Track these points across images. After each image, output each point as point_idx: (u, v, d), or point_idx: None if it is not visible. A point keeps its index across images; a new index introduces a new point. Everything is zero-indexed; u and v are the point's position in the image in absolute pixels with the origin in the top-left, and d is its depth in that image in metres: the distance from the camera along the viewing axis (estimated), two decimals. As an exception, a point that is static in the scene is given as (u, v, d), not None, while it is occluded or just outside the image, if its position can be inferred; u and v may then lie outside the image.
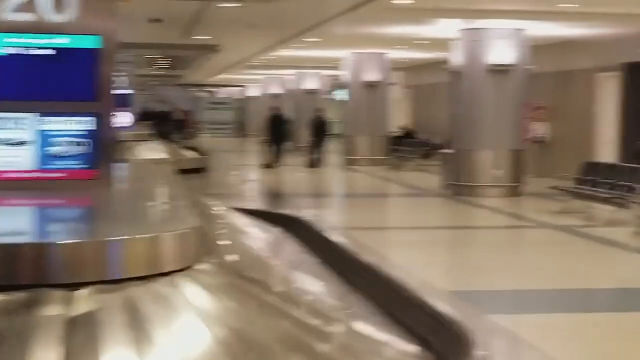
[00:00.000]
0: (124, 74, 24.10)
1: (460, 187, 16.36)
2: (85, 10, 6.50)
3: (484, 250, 10.37)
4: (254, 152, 28.56)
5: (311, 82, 34.12)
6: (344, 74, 25.41)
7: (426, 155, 25.99)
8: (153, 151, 22.45)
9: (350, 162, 24.75)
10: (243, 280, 4.42)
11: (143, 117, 48.64)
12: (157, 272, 2.98)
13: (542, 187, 17.36)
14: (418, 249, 10.38)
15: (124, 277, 2.86)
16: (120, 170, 8.57)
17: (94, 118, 6.49)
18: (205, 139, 47.45)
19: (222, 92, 59.36)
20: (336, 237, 7.81)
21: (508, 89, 16.22)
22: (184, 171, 20.21)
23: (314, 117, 25.38)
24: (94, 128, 6.50)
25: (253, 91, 49.91)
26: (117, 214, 4.89)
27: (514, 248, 10.72)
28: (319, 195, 17.80)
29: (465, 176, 16.36)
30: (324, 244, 7.97)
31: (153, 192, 6.54)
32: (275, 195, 17.62)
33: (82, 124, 6.46)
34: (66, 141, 6.53)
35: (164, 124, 42.44)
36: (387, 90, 25.40)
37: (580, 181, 13.75)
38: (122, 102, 24.73)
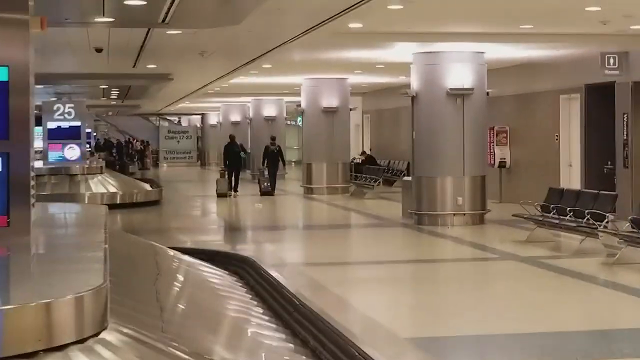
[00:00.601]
0: (71, 105, 23.36)
1: (422, 215, 15.77)
2: (-12, 39, 5.76)
3: (448, 287, 9.72)
4: (212, 181, 27.75)
5: (270, 109, 33.52)
6: (302, 100, 24.83)
7: (389, 182, 25.49)
8: (103, 185, 21.73)
9: (309, 191, 24.14)
10: (156, 352, 3.74)
11: (101, 147, 48.02)
12: (48, 347, 2.58)
13: (506, 213, 16.82)
14: (379, 286, 9.75)
15: (4, 355, 2.47)
16: (44, 215, 7.87)
17: (1, 158, 5.78)
18: (165, 168, 47.07)
19: (182, 121, 58.72)
20: (284, 281, 7.17)
21: (468, 113, 15.70)
22: (136, 204, 19.48)
23: (268, 145, 25.16)
24: (1, 169, 5.80)
25: (213, 119, 49.25)
26: (10, 274, 4.20)
27: (479, 284, 10.05)
28: (275, 227, 17.09)
29: (426, 204, 15.78)
30: (274, 290, 7.33)
31: (64, 244, 5.86)
32: (230, 228, 16.92)
33: (-12, 164, 5.75)
34: (-31, 185, 5.81)
35: (121, 154, 41.78)
36: (346, 115, 24.84)
37: (545, 208, 13.21)
38: (71, 135, 24.01)
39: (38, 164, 23.78)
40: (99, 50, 14.29)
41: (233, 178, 23.49)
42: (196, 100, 35.95)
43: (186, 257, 8.56)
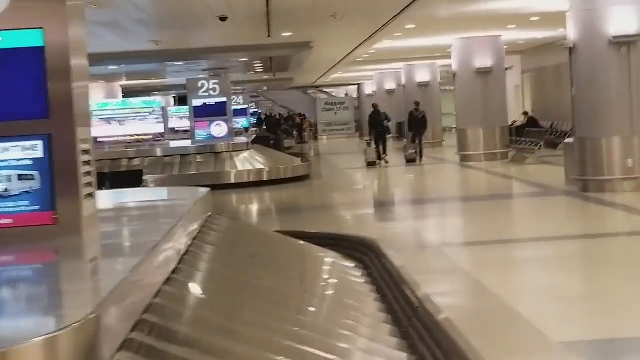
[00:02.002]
0: (215, 81, 22.77)
1: (587, 182, 14.13)
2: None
3: (623, 270, 8.13)
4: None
5: (423, 74, 32.11)
6: (453, 62, 23.37)
7: (553, 145, 23.69)
8: (249, 161, 21.05)
9: (465, 158, 22.70)
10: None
11: (261, 123, 47.88)
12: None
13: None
14: (543, 270, 8.37)
15: None
16: (122, 205, 6.96)
17: (42, 141, 4.85)
18: (325, 141, 46.37)
19: (340, 92, 58.00)
20: (406, 272, 5.96)
21: (636, 64, 13.88)
22: (285, 180, 18.66)
23: (412, 110, 24.80)
24: (43, 155, 4.87)
25: (369, 88, 48.19)
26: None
27: None
28: (422, 200, 15.80)
29: (591, 169, 14.11)
30: (395, 285, 6.14)
31: (107, 245, 4.87)
32: (375, 204, 15.77)
33: (28, 150, 4.84)
34: (6, 175, 4.92)
35: (278, 129, 41.36)
36: (502, 76, 23.19)
37: None
38: (217, 112, 23.44)
39: (186, 143, 23.45)
40: (223, 19, 13.42)
41: (381, 147, 23.32)
42: (349, 70, 34.98)
43: (304, 244, 7.51)
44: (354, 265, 7.31)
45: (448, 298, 7.08)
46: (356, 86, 51.68)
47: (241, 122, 41.33)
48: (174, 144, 23.42)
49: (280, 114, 52.70)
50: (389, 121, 24.70)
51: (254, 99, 59.97)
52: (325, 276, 6.51)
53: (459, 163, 22.60)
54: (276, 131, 39.86)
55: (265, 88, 47.39)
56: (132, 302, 3.35)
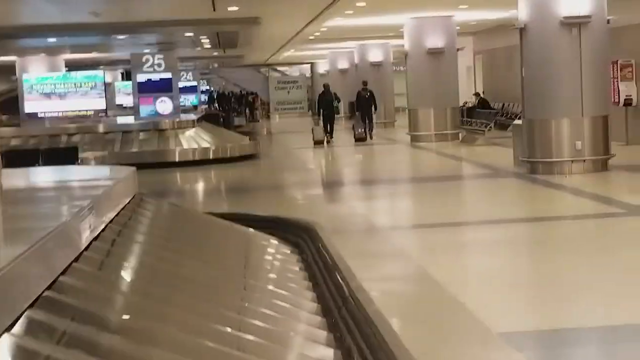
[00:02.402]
0: (160, 56, 22.20)
1: (535, 164, 13.91)
2: None
3: (569, 256, 7.79)
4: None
5: (376, 54, 31.74)
6: (405, 42, 23.03)
7: (503, 126, 23.51)
8: (195, 139, 20.55)
9: (415, 139, 22.42)
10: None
11: (213, 100, 47.23)
12: None
13: (634, 157, 14.83)
14: (490, 254, 8.08)
15: None
16: (32, 184, 6.48)
17: None
18: (277, 120, 45.87)
19: (293, 71, 57.44)
20: (340, 257, 5.60)
21: (586, 45, 13.64)
22: (232, 159, 18.17)
23: (359, 91, 24.90)
24: None
25: (322, 67, 47.70)
26: None
27: (606, 250, 8.10)
28: (369, 180, 15.49)
29: (540, 151, 13.89)
30: (328, 273, 5.78)
31: None
32: (320, 184, 15.42)
33: None
34: None
35: (227, 106, 40.81)
36: (454, 56, 22.90)
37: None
38: (162, 88, 22.83)
39: (129, 119, 22.86)
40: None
41: (328, 126, 23.73)
42: (302, 48, 34.45)
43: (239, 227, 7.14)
44: (289, 250, 6.95)
45: (387, 284, 6.74)
46: (309, 65, 51.17)
47: (191, 100, 40.74)
48: (116, 120, 22.83)
49: (232, 92, 52.09)
50: (338, 101, 25.24)
51: (205, 76, 59.22)
52: (257, 262, 6.14)
53: (409, 143, 22.32)
54: (227, 109, 39.33)
55: (215, 65, 46.65)
56: (11, 295, 2.95)
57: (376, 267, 7.23)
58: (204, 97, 52.12)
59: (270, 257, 6.30)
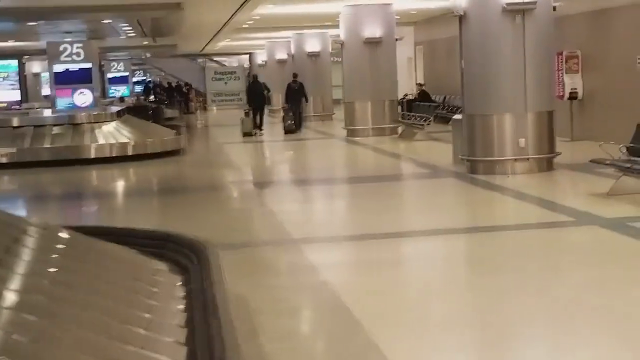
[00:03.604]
0: (79, 45, 20.72)
1: (475, 162, 12.82)
2: None
3: (508, 278, 6.61)
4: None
5: (313, 44, 30.52)
6: (341, 31, 21.85)
7: (445, 120, 22.51)
8: (113, 134, 19.11)
9: (352, 133, 21.27)
10: None
11: (149, 91, 45.56)
12: None
13: (578, 155, 13.83)
14: (415, 275, 6.95)
15: None
16: None
17: None
18: (214, 112, 44.35)
19: (232, 62, 55.94)
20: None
21: (530, 35, 12.56)
22: (154, 155, 16.77)
23: (290, 83, 24.60)
24: None
25: (261, 58, 46.34)
26: None
27: (551, 270, 6.90)
28: (297, 180, 14.26)
29: (481, 148, 12.79)
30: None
31: None
32: (243, 183, 14.13)
33: None
34: None
35: (158, 98, 39.25)
36: (392, 47, 21.76)
37: (634, 151, 10.17)
38: (81, 79, 21.33)
39: (44, 112, 21.33)
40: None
41: (258, 117, 23.47)
42: (239, 38, 33.11)
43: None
44: (178, 281, 5.67)
45: (281, 319, 5.58)
46: (247, 55, 49.81)
47: (122, 91, 39.16)
48: (28, 113, 21.26)
49: (169, 83, 50.45)
50: (268, 92, 24.80)
51: (140, 66, 57.44)
52: (129, 300, 4.87)
53: (345, 138, 21.17)
54: (161, 100, 37.80)
55: (148, 55, 44.96)
56: None
57: (270, 298, 6.03)
58: (139, 88, 50.48)
59: (147, 293, 5.04)
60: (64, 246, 5.65)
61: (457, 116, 14.31)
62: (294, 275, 6.96)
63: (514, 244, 7.89)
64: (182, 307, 4.95)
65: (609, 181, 10.24)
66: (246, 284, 6.50)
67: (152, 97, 40.07)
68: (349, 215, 10.30)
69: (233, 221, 9.89)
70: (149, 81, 56.01)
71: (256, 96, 23.73)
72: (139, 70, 58.88)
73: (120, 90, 36.37)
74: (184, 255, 6.27)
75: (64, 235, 5.78)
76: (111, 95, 39.29)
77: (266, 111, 26.61)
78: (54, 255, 5.45)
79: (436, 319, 5.54)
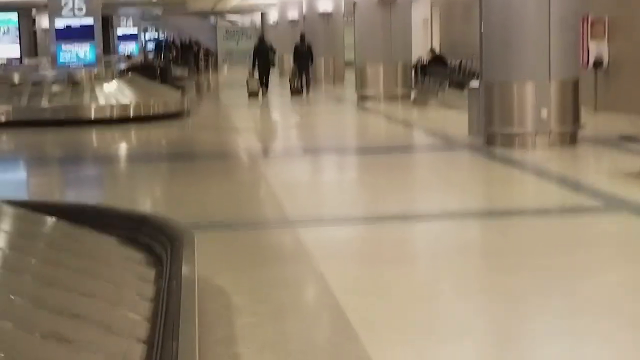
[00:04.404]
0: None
1: (493, 134, 11.92)
2: None
3: (526, 277, 5.66)
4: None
5: (325, 3, 29.45)
6: (354, -10, 20.90)
7: (460, 86, 21.55)
8: (114, 95, 18.27)
9: (363, 97, 20.35)
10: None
11: (161, 50, 44.56)
12: None
13: (603, 127, 12.96)
14: (418, 271, 6.12)
15: None
16: None
17: None
18: (225, 72, 43.34)
19: (246, 21, 54.84)
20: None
21: (556, -3, 11.60)
22: (154, 117, 15.90)
23: (297, 44, 24.09)
24: None
25: (273, 17, 45.25)
26: None
27: (581, 269, 5.90)
28: (305, 149, 13.40)
29: (499, 119, 11.88)
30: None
31: None
32: (240, 151, 13.25)
33: None
34: None
35: (166, 56, 38.29)
36: (408, 7, 20.78)
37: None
38: (83, 35, 20.43)
39: (42, 69, 20.51)
40: None
41: (263, 78, 23.02)
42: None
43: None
44: (152, 274, 4.88)
45: (265, 322, 4.78)
46: (260, 14, 48.75)
47: (130, 49, 38.27)
48: (27, 70, 20.43)
49: (181, 41, 49.44)
50: (274, 53, 24.53)
51: (152, 23, 56.36)
52: (90, 292, 4.08)
53: (355, 102, 20.26)
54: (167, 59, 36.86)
55: (159, 13, 43.98)
56: None
57: (259, 301, 5.22)
58: (151, 46, 49.48)
59: (107, 294, 4.24)
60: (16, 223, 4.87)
61: (474, 83, 13.39)
62: (287, 264, 6.14)
63: (535, 233, 7.00)
64: (146, 314, 4.15)
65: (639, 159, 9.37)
66: (230, 276, 5.70)
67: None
68: (354, 192, 9.41)
69: (225, 196, 9.07)
70: (161, 40, 54.99)
71: (262, 57, 23.20)
72: (151, 28, 57.73)
73: (129, 48, 35.45)
74: (159, 243, 5.49)
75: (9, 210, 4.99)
76: (120, 53, 38.43)
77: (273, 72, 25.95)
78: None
79: (445, 328, 4.71)
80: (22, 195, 9.36)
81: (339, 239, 6.94)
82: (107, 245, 5.28)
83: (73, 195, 9.55)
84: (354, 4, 20.85)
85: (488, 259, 6.36)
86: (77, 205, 6.65)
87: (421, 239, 7.12)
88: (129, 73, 20.62)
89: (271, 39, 46.14)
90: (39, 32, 37.47)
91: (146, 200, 9.23)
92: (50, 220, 5.32)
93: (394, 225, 7.36)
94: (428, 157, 12.18)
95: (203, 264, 4.94)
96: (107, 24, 41.29)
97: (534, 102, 11.69)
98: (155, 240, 5.48)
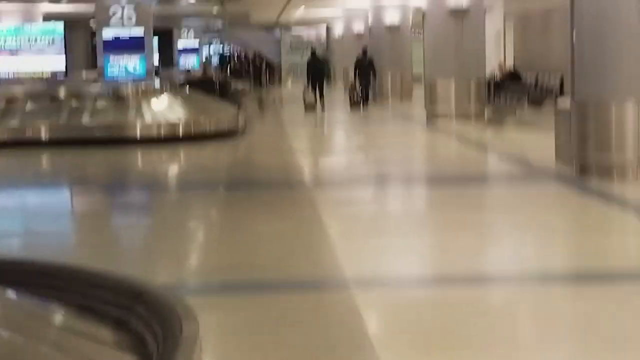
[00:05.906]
0: (131, 6, 18.56)
1: (587, 164, 10.21)
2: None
3: None
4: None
5: (393, 16, 27.86)
6: (423, 1, 19.31)
7: (537, 102, 19.83)
8: (162, 111, 16.86)
9: (432, 115, 18.71)
10: None
11: (226, 64, 43.50)
12: None
13: None
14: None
15: None
16: None
17: None
18: (289, 86, 41.95)
19: (310, 34, 53.62)
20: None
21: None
22: (206, 136, 14.39)
23: (359, 58, 23.86)
24: None
25: (337, 32, 43.90)
26: None
27: None
28: (363, 178, 11.56)
29: (594, 145, 10.16)
30: None
31: None
32: (297, 184, 11.56)
33: None
34: None
35: (226, 70, 37.14)
36: (481, 19, 19.13)
37: None
38: (133, 47, 19.16)
39: (87, 84, 19.31)
40: None
41: (317, 91, 23.00)
42: (314, 5, 30.80)
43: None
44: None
45: None
46: (325, 27, 47.54)
47: (191, 62, 37.23)
48: (70, 84, 19.22)
49: (246, 55, 48.39)
50: (328, 67, 25.41)
51: (218, 36, 55.35)
52: None
53: (425, 121, 18.62)
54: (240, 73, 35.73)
55: (219, 25, 42.89)
56: None
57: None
58: (215, 60, 48.49)
59: None
60: None
61: (564, 103, 11.66)
62: (334, 351, 4.57)
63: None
64: None
65: None
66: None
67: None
68: (418, 241, 7.63)
69: (273, 240, 7.52)
70: (226, 54, 53.96)
71: (315, 71, 23.30)
72: (216, 41, 56.75)
73: (189, 62, 34.40)
74: (148, 328, 3.96)
75: None
76: (180, 66, 37.53)
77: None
78: None
79: None
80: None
81: (398, 314, 5.33)
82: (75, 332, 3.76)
83: (88, 241, 8.13)
84: (423, 15, 19.27)
85: (611, 343, 4.68)
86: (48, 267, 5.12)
87: (493, 314, 5.41)
88: (187, 87, 19.37)
89: (336, 52, 45.06)
90: (98, 44, 36.68)
91: (173, 242, 7.72)
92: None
93: (459, 291, 5.72)
94: (510, 190, 10.38)
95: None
96: (169, 37, 40.36)
97: (635, 124, 9.95)
98: (146, 325, 3.96)
